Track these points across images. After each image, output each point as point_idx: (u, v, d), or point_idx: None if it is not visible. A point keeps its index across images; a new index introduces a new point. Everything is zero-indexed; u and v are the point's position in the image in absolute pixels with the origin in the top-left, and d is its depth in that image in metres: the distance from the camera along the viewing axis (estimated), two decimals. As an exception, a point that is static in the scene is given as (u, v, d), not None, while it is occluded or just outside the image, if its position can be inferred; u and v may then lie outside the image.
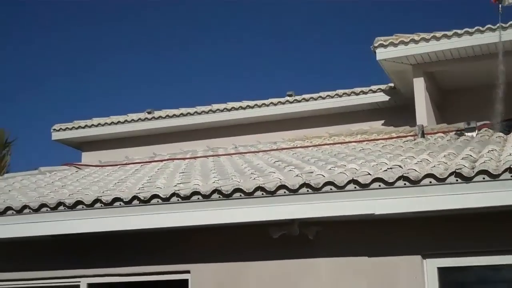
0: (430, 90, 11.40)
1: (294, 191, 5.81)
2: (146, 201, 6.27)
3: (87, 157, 14.38)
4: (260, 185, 5.93)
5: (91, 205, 6.45)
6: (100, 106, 31.48)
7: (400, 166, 6.02)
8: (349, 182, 5.67)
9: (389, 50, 11.08)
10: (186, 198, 6.15)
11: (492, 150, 6.33)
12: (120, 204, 6.35)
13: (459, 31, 10.64)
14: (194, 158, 10.09)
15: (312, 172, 6.31)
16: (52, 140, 14.78)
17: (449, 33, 10.71)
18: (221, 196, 6.05)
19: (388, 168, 5.93)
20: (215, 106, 13.73)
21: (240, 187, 5.98)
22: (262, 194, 5.92)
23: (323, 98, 12.87)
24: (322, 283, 6.05)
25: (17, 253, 7.17)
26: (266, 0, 30.68)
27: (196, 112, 13.76)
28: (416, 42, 10.91)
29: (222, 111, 13.58)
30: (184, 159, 10.10)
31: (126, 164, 10.52)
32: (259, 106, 13.28)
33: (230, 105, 13.55)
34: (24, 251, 7.14)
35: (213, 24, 32.24)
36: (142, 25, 32.35)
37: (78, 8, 31.27)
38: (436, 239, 5.75)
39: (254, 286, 6.28)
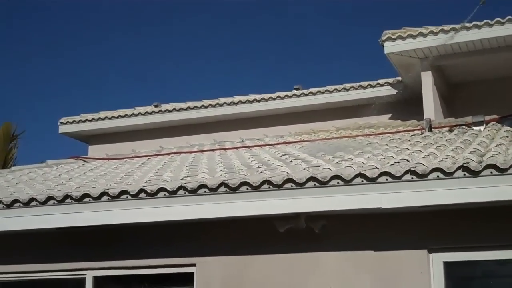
0: (438, 84, 11.37)
1: (301, 185, 5.81)
2: (153, 194, 6.28)
3: (94, 150, 14.41)
4: (267, 179, 5.93)
5: (98, 198, 6.47)
6: (108, 100, 31.51)
7: (407, 160, 6.01)
8: (356, 176, 5.66)
9: (397, 44, 11.06)
10: (193, 191, 6.16)
11: (500, 145, 6.32)
12: (127, 197, 6.37)
13: (468, 25, 10.61)
14: (201, 151, 10.10)
15: (319, 166, 6.31)
16: (59, 133, 14.83)
17: (457, 26, 10.67)
18: (228, 190, 6.06)
19: (395, 162, 5.92)
20: (222, 100, 13.73)
21: (247, 181, 5.98)
22: (269, 187, 5.92)
23: (330, 92, 12.86)
24: (328, 276, 6.05)
25: (23, 246, 7.20)
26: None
27: (203, 105, 13.77)
28: (424, 35, 10.88)
29: (229, 104, 13.59)
30: (191, 152, 10.11)
31: (133, 157, 10.54)
32: (266, 100, 13.28)
33: (237, 98, 13.56)
34: (30, 243, 7.17)
35: (220, 19, 32.20)
36: (149, 20, 32.33)
37: (86, 7, 31.29)
38: (442, 233, 5.75)
39: (260, 280, 6.29)
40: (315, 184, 5.76)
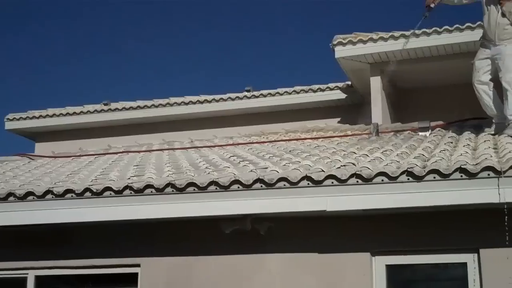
0: (386, 89, 11.53)
1: (247, 186, 5.83)
2: (98, 194, 6.22)
3: (41, 147, 14.17)
4: (214, 180, 5.93)
5: (42, 196, 6.38)
6: (56, 97, 31.04)
7: (353, 164, 6.08)
8: (302, 179, 5.71)
9: (347, 48, 11.18)
10: (139, 191, 6.12)
11: (444, 150, 6.44)
12: (72, 196, 6.30)
13: (417, 31, 10.77)
14: (149, 151, 10.03)
15: (266, 168, 6.34)
16: (5, 130, 14.56)
17: (407, 33, 10.84)
18: (174, 190, 6.04)
19: (341, 166, 5.99)
20: (172, 100, 13.66)
21: (194, 181, 5.98)
22: (216, 188, 5.93)
23: (281, 95, 12.91)
24: (272, 278, 6.08)
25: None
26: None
27: (153, 105, 13.68)
28: (374, 41, 11.02)
29: (179, 104, 13.53)
30: (139, 152, 10.04)
31: (80, 155, 10.41)
32: (217, 101, 13.27)
33: (188, 99, 13.51)
34: (-29, 242, 7.02)
35: (173, 17, 32.01)
36: (98, 19, 31.97)
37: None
38: (385, 237, 5.83)
39: (205, 281, 6.28)
40: (261, 186, 5.79)
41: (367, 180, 5.51)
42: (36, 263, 6.79)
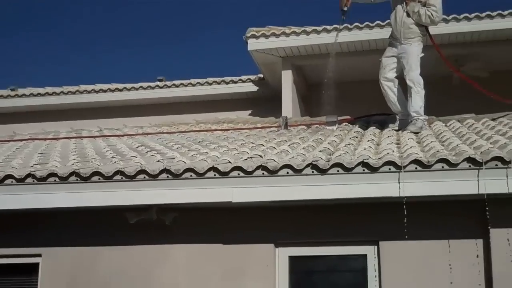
0: (297, 83, 11.67)
1: (153, 177, 5.80)
2: (-1, 181, 6.04)
3: None
4: (120, 169, 5.87)
5: None
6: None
7: (260, 156, 6.13)
8: (209, 170, 5.71)
9: (260, 41, 11.23)
10: (42, 180, 6.00)
11: (348, 145, 6.58)
12: (-29, 183, 6.09)
13: (328, 27, 10.96)
14: (56, 139, 9.81)
15: (173, 158, 6.31)
16: None
17: (319, 28, 11.00)
18: (79, 179, 5.94)
19: (248, 157, 6.03)
20: (82, 87, 13.38)
21: (99, 170, 5.89)
22: (122, 178, 5.86)
23: (193, 85, 12.86)
24: (178, 269, 6.06)
25: None
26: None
27: (62, 92, 13.36)
28: (287, 35, 11.12)
29: (89, 92, 13.26)
30: (45, 139, 9.81)
31: (-17, 142, 10.07)
32: (128, 90, 13.08)
33: (98, 86, 13.27)
34: None
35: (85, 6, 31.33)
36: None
37: None
38: (289, 228, 5.90)
39: (110, 271, 6.20)
40: (168, 176, 5.77)
41: (272, 172, 5.57)
42: None
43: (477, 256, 5.50)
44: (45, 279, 6.28)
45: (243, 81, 12.70)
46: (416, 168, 5.31)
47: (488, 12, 10.49)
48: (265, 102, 12.39)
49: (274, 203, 5.74)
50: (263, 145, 7.20)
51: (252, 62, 11.68)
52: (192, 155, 6.51)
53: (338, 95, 11.75)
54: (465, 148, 5.71)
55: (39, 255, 6.33)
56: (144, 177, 5.81)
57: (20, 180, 6.02)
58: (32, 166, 6.42)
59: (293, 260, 5.89)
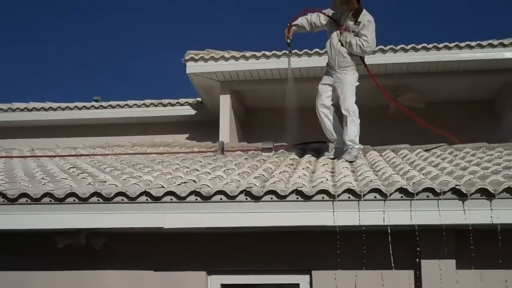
0: (235, 108, 11.68)
1: (84, 200, 5.69)
2: None
3: None
4: (49, 191, 5.75)
5: None
6: None
7: (194, 181, 6.09)
8: (141, 194, 5.65)
9: (199, 65, 11.22)
10: (-34, 201, 5.80)
11: (283, 172, 6.59)
12: None
13: (267, 53, 11.02)
14: (-15, 158, 9.55)
15: (105, 181, 6.22)
16: None
17: (258, 53, 11.06)
18: (5, 201, 5.79)
19: (182, 182, 5.98)
20: (15, 105, 13.10)
21: (27, 192, 5.76)
22: (50, 200, 5.74)
23: (130, 107, 12.75)
24: (107, 296, 5.95)
25: None
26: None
27: (-8, 109, 13.07)
28: (226, 59, 11.15)
29: (22, 110, 13.00)
30: (-27, 158, 9.53)
31: None
32: (63, 109, 12.88)
33: (31, 105, 13.02)
34: None
35: (23, 23, 30.83)
36: None
37: None
38: (222, 256, 5.88)
39: (35, 297, 6.04)
40: (98, 200, 5.67)
41: (205, 198, 5.53)
42: None
43: (409, 287, 5.57)
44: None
45: (181, 104, 12.66)
46: (349, 197, 5.35)
47: (424, 44, 10.74)
48: (202, 126, 12.37)
49: (207, 229, 5.69)
50: (198, 170, 7.16)
51: (190, 85, 11.67)
52: (124, 179, 6.43)
53: (276, 122, 11.88)
54: (398, 179, 5.79)
55: (-39, 280, 6.13)
56: (74, 200, 5.70)
57: None
58: (-44, 187, 6.21)
59: (225, 288, 5.85)
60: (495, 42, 10.74)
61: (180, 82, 28.89)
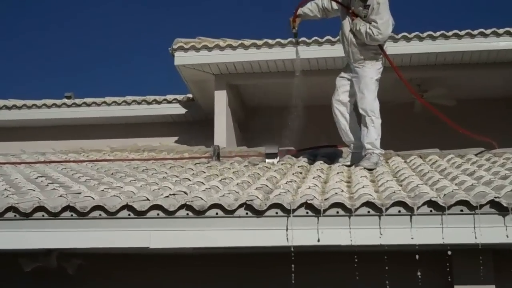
0: (233, 106, 11.69)
1: (54, 215, 5.67)
2: None
3: None
4: (13, 205, 5.73)
5: None
6: None
7: (185, 193, 6.09)
8: (122, 208, 5.63)
9: (189, 55, 11.22)
10: None
11: (290, 182, 6.59)
12: None
13: (270, 41, 11.02)
14: None
15: (79, 193, 6.21)
16: None
17: (259, 42, 11.06)
18: (-38, 216, 5.78)
19: (170, 194, 5.97)
20: (-30, 103, 13.14)
21: (-14, 207, 5.75)
22: (15, 216, 5.72)
23: (108, 105, 12.76)
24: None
25: None
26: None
27: None
28: (221, 48, 11.15)
29: (-20, 109, 13.03)
30: None
31: None
32: (29, 107, 12.90)
33: (-10, 102, 13.05)
34: None
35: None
36: None
37: None
38: (217, 280, 5.88)
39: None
40: (72, 215, 5.66)
41: (199, 213, 5.52)
42: None
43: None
44: None
45: (169, 102, 12.68)
46: (368, 212, 5.34)
47: (455, 31, 10.73)
48: (194, 128, 12.39)
49: (199, 249, 5.68)
50: (189, 180, 7.16)
51: (180, 79, 11.66)
52: (102, 190, 6.43)
53: (281, 122, 11.89)
54: (426, 190, 5.78)
55: None
56: (43, 215, 5.68)
57: None
58: None
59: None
60: (541, 28, 10.75)
61: (168, 77, 28.85)
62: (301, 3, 8.14)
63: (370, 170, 7.52)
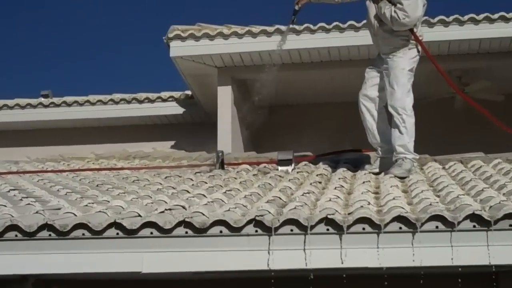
0: (240, 104, 11.67)
1: (30, 235, 5.71)
2: None
3: None
4: (-19, 224, 5.77)
5: None
6: None
7: (183, 207, 6.11)
8: (109, 226, 5.65)
9: (188, 45, 11.22)
10: None
11: (308, 193, 6.60)
12: None
13: (282, 27, 10.98)
14: None
15: (59, 209, 6.24)
16: None
17: (269, 28, 11.05)
18: None
19: (166, 209, 5.99)
20: None
21: (-50, 225, 5.79)
22: (-16, 236, 5.77)
23: (92, 104, 12.80)
24: None
25: None
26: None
27: None
28: (225, 37, 11.15)
29: None
30: None
31: None
32: (-1, 108, 12.97)
33: (-45, 103, 13.12)
34: None
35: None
36: None
37: None
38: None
39: None
40: (50, 235, 5.68)
41: (200, 231, 5.53)
42: None
43: None
44: None
45: (164, 100, 12.70)
46: (400, 228, 5.34)
47: (502, 13, 10.70)
48: (194, 131, 12.42)
49: (200, 274, 5.70)
50: (188, 192, 7.19)
51: (177, 74, 11.68)
52: (86, 205, 6.45)
53: (296, 123, 11.90)
54: (468, 201, 5.78)
55: None
56: (16, 236, 5.71)
57: None
58: None
59: None
60: None
61: (164, 72, 28.90)
62: None
63: (401, 178, 7.52)
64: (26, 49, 31.03)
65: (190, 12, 28.77)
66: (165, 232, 5.58)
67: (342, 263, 5.42)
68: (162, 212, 5.89)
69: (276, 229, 5.47)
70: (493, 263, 5.27)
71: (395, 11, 7.70)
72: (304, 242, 5.47)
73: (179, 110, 12.58)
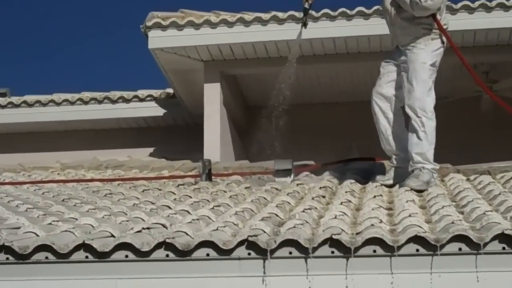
0: (230, 104, 11.69)
1: (-19, 259, 5.74)
2: None
3: None
4: None
5: None
6: None
7: (164, 226, 6.12)
8: (77, 248, 5.67)
9: (169, 35, 11.22)
10: None
11: (309, 209, 6.61)
12: None
13: (280, 15, 11.03)
14: None
15: (18, 228, 6.25)
16: None
17: (264, 16, 11.06)
18: None
19: (144, 228, 6.00)
20: None
21: None
22: None
23: (58, 104, 12.82)
24: None
25: None
26: None
27: None
28: (213, 25, 11.16)
29: None
30: None
31: None
32: None
33: None
34: None
35: None
36: None
37: None
38: None
39: None
40: (7, 258, 5.71)
41: (183, 254, 5.55)
42: None
43: None
44: None
45: (141, 99, 12.72)
46: (417, 250, 5.36)
47: (538, -3, 10.75)
48: (176, 135, 12.45)
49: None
50: (169, 208, 7.19)
51: (156, 68, 11.69)
52: (50, 223, 6.46)
53: (296, 127, 11.91)
54: (496, 219, 5.79)
55: None
56: (-33, 259, 5.74)
57: None
58: None
59: None
60: None
61: (140, 67, 28.95)
62: None
63: (419, 191, 7.53)
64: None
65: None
66: (142, 255, 5.61)
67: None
68: (139, 231, 5.91)
69: (272, 251, 5.49)
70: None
71: None
72: (306, 267, 5.50)
73: (159, 111, 12.58)
